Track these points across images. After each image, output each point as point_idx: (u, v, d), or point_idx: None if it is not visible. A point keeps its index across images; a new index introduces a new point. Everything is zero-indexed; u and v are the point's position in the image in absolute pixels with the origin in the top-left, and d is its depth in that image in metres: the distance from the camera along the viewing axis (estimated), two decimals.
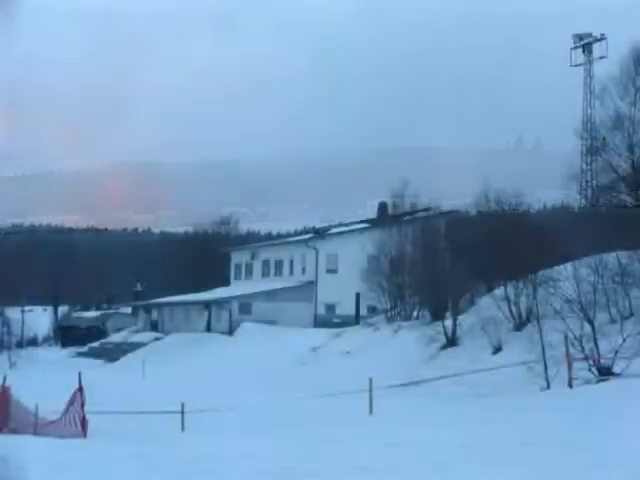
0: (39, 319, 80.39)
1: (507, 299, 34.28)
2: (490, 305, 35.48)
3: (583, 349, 23.10)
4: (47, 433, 18.57)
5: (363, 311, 51.86)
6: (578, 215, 48.37)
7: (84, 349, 64.19)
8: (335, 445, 13.96)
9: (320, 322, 54.30)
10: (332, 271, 56.64)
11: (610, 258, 29.52)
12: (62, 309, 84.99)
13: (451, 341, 35.74)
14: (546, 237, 39.64)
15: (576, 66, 65.42)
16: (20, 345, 68.11)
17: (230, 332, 53.08)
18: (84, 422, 19.36)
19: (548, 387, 23.41)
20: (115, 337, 65.09)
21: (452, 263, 40.65)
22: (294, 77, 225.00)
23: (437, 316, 38.97)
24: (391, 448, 13.07)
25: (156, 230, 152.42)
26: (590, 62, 64.24)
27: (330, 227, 62.95)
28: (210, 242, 79.16)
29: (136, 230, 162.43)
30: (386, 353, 37.68)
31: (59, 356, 63.90)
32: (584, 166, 57.21)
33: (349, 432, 16.42)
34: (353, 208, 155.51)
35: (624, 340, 23.55)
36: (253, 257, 65.02)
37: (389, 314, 45.37)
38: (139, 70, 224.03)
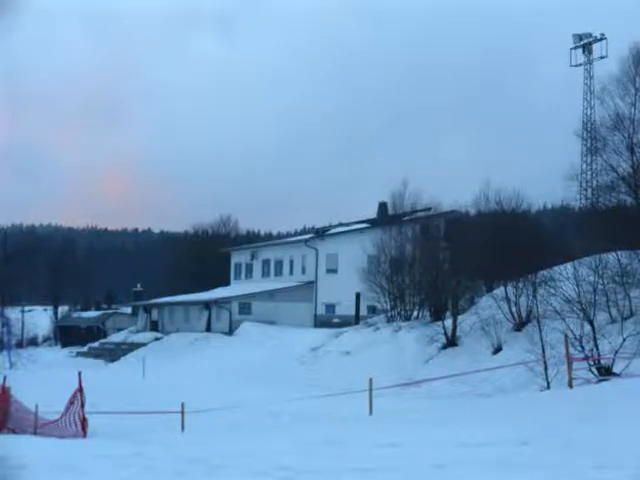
0: (39, 319, 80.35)
1: (507, 299, 34.31)
2: (490, 305, 35.51)
3: (583, 349, 23.12)
4: (47, 433, 18.57)
5: (363, 311, 51.88)
6: (578, 215, 48.36)
7: (84, 349, 64.18)
8: (335, 445, 13.95)
9: (320, 322, 54.34)
10: (332, 271, 56.66)
11: (610, 258, 29.56)
12: (62, 309, 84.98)
13: (451, 341, 35.77)
14: (546, 237, 39.70)
15: (576, 66, 65.50)
16: (20, 345, 68.10)
17: (230, 332, 53.13)
18: (84, 422, 19.36)
19: (548, 387, 23.44)
20: (115, 337, 65.06)
21: (452, 263, 40.67)
22: (295, 76, 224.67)
23: (437, 316, 39.00)
24: (391, 448, 13.06)
25: (156, 230, 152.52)
26: (590, 62, 64.30)
27: (330, 227, 62.91)
28: (210, 242, 79.20)
29: (136, 230, 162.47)
30: (386, 353, 37.70)
31: (59, 356, 63.92)
32: (584, 166, 57.29)
33: (349, 432, 16.41)
34: (353, 208, 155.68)
35: (624, 340, 23.59)
36: (253, 257, 65.03)
37: (389, 314, 45.38)
38: (138, 71, 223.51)
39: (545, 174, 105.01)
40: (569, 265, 29.75)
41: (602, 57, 63.18)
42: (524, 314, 33.45)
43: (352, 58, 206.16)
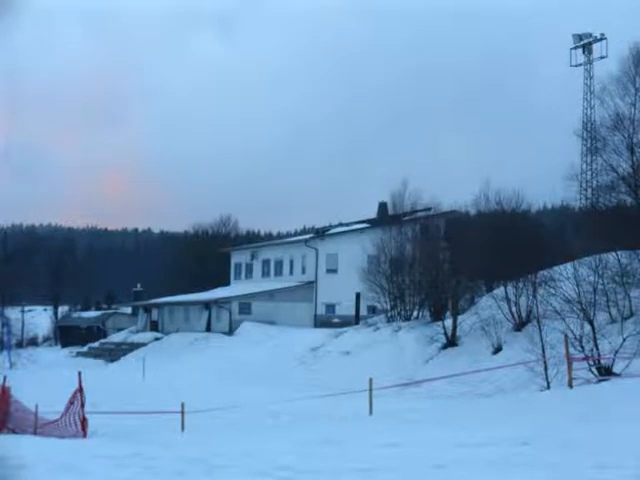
0: (39, 319, 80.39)
1: (507, 299, 34.30)
2: (490, 305, 35.50)
3: (583, 349, 23.11)
4: (47, 433, 18.56)
5: (363, 311, 51.89)
6: (578, 215, 48.37)
7: (84, 349, 64.16)
8: (335, 445, 13.95)
9: (320, 322, 54.33)
10: (332, 271, 56.64)
11: (610, 258, 29.56)
12: (62, 309, 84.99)
13: (451, 341, 35.76)
14: (546, 237, 39.71)
15: (576, 66, 65.47)
16: (20, 345, 68.08)
17: (230, 332, 53.11)
18: (84, 422, 19.34)
19: (548, 387, 23.43)
20: (115, 337, 65.04)
21: (452, 263, 40.66)
22: (295, 76, 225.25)
23: (437, 316, 38.99)
24: (391, 448, 13.06)
25: (156, 230, 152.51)
26: (590, 62, 64.28)
27: (330, 227, 62.92)
28: (210, 242, 79.20)
29: (136, 230, 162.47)
30: (386, 353, 37.70)
31: (59, 356, 63.88)
32: (584, 166, 57.29)
33: (349, 432, 16.41)
34: (353, 208, 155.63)
35: (624, 340, 23.59)
36: (253, 257, 65.02)
37: (389, 314, 45.37)
38: (138, 71, 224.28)
39: (545, 174, 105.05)
40: (569, 265, 29.75)
41: (602, 57, 63.19)
42: (524, 314, 33.44)
43: (352, 58, 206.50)
